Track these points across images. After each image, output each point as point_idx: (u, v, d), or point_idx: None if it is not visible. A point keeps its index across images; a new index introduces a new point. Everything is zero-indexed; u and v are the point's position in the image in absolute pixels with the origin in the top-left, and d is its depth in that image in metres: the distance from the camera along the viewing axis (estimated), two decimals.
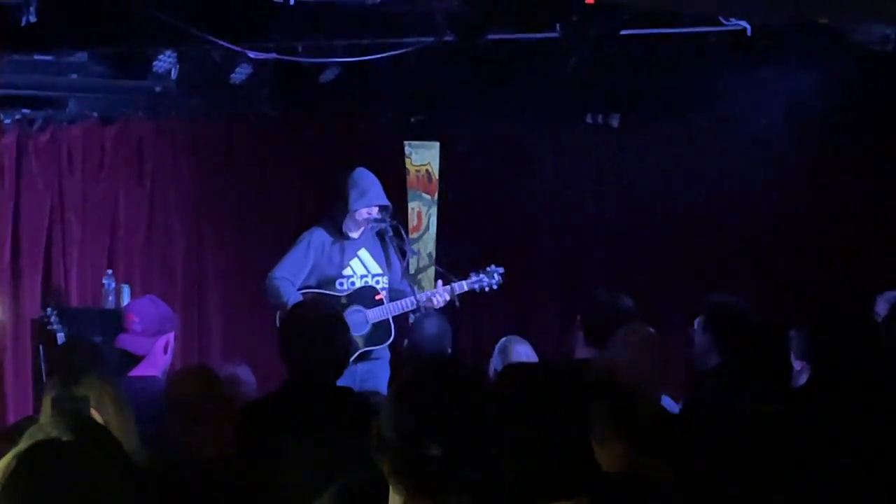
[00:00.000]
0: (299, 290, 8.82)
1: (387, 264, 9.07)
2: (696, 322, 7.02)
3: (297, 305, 6.49)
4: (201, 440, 5.01)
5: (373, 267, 9.04)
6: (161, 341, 6.36)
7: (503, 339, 7.88)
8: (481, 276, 9.14)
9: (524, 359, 7.53)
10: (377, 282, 9.03)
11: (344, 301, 8.89)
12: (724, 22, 7.66)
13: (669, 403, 6.44)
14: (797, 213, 10.48)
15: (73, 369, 4.87)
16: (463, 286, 9.09)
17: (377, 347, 8.94)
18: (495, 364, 7.65)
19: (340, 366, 5.77)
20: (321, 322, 5.76)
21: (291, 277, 8.84)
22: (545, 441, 3.56)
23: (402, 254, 9.09)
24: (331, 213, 9.06)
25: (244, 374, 7.10)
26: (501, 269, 9.19)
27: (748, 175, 10.41)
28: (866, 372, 5.41)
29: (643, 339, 6.74)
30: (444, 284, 9.08)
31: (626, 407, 4.62)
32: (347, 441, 4.94)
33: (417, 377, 3.82)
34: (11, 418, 8.79)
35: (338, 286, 8.96)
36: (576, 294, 9.97)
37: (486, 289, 9.16)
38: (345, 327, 5.89)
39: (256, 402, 5.94)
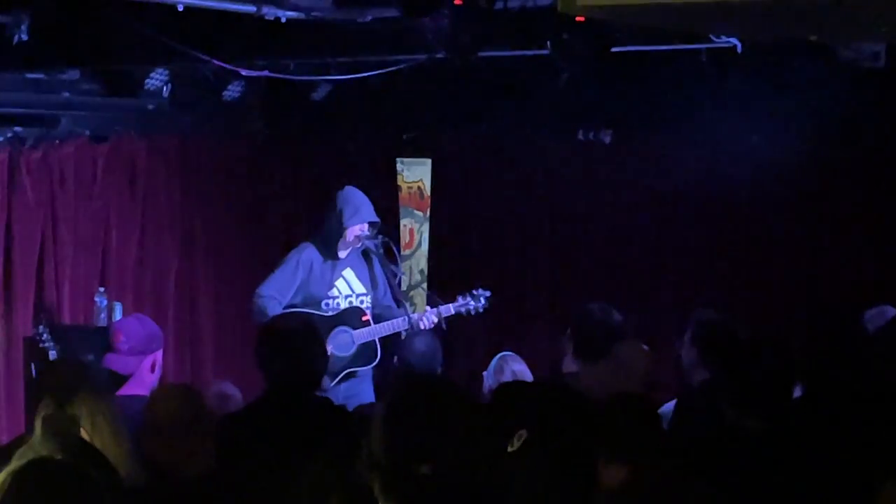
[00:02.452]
0: (285, 309, 8.82)
1: (371, 284, 9.09)
2: (684, 337, 7.04)
3: (275, 319, 6.52)
4: (183, 459, 4.99)
5: (357, 287, 9.06)
6: (148, 360, 6.36)
7: (497, 356, 7.88)
8: (468, 299, 9.17)
9: (519, 377, 7.53)
10: (361, 301, 9.05)
11: (331, 321, 8.92)
12: (715, 39, 7.67)
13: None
14: (788, 228, 10.49)
15: (66, 388, 4.86)
16: (450, 309, 9.11)
17: (363, 368, 8.97)
18: (490, 382, 7.64)
19: (316, 378, 5.79)
20: (296, 335, 5.79)
21: (278, 296, 8.84)
22: (544, 460, 3.56)
23: (393, 274, 9.11)
24: (322, 231, 9.07)
25: (229, 388, 7.12)
26: (488, 293, 9.21)
27: (739, 191, 10.42)
28: (855, 388, 5.41)
29: (636, 355, 6.77)
30: (431, 307, 9.11)
31: (633, 425, 4.61)
32: (326, 452, 4.95)
33: (408, 396, 3.83)
34: (3, 435, 8.77)
35: (323, 307, 8.97)
36: (568, 310, 9.97)
37: (473, 312, 9.19)
38: (319, 340, 5.91)
39: (233, 414, 5.97)
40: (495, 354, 8.01)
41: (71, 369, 5.42)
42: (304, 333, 5.83)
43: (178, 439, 5.02)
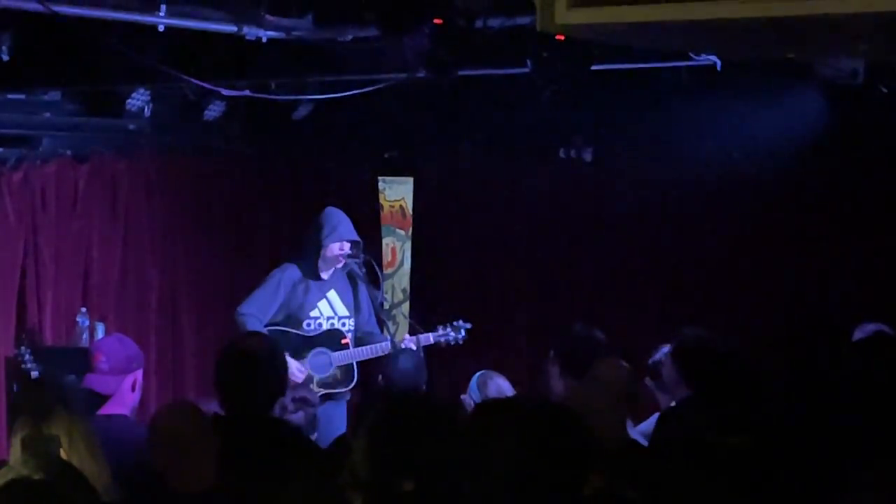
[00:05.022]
0: (266, 327, 8.83)
1: (355, 307, 9.11)
2: (665, 354, 7.05)
3: (233, 340, 6.42)
4: (187, 476, 5.01)
5: (340, 309, 9.09)
6: (128, 380, 6.35)
7: (480, 373, 7.88)
8: (448, 329, 9.25)
9: (503, 392, 7.55)
10: (343, 324, 9.08)
11: (310, 341, 8.94)
12: (694, 57, 7.70)
13: (637, 435, 6.47)
14: (770, 244, 10.51)
15: (42, 408, 4.86)
16: (429, 339, 9.16)
17: (339, 390, 8.99)
18: (473, 398, 7.63)
19: (267, 401, 5.69)
20: (250, 357, 5.69)
21: (259, 314, 8.86)
22: (527, 475, 3.56)
23: (377, 288, 9.13)
24: (303, 252, 9.09)
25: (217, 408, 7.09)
26: (468, 325, 9.29)
27: (721, 207, 10.44)
28: (838, 404, 5.42)
29: (615, 372, 6.78)
30: (411, 335, 9.14)
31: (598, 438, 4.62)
32: (276, 474, 4.94)
33: (391, 413, 3.83)
34: None
35: (304, 326, 9.00)
36: (550, 329, 9.98)
37: (452, 343, 9.23)
38: (275, 363, 5.78)
39: None
40: (478, 372, 8.01)
41: (48, 389, 5.42)
42: (255, 357, 5.71)
43: (185, 456, 5.04)
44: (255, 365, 5.65)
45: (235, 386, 5.61)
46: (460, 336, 9.26)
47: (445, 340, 9.22)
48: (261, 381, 5.65)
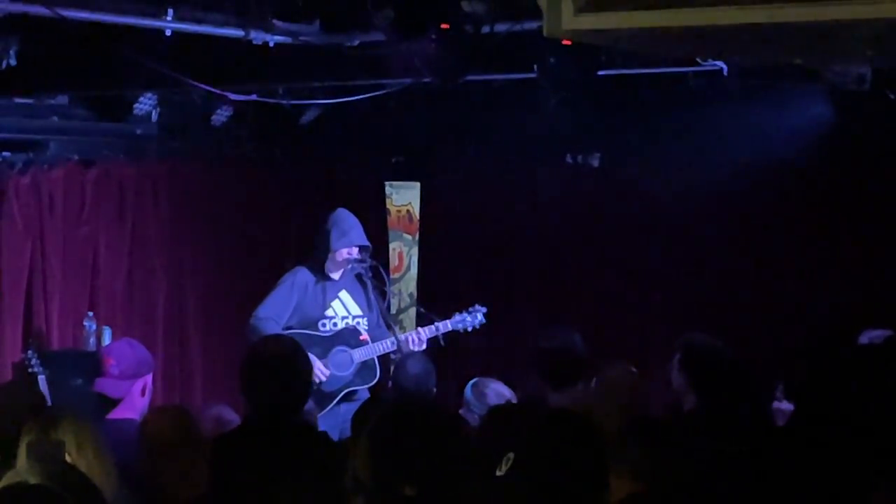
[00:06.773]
0: (283, 330, 8.81)
1: (367, 306, 9.10)
2: (673, 361, 7.04)
3: (257, 343, 6.37)
4: (176, 481, 5.00)
5: (353, 308, 9.07)
6: (138, 384, 6.37)
7: (472, 382, 7.80)
8: (465, 315, 9.19)
9: (503, 396, 7.52)
10: (357, 323, 9.05)
11: (329, 341, 8.93)
12: (701, 62, 7.70)
13: None
14: (777, 249, 10.50)
15: (50, 413, 4.87)
16: (447, 325, 9.13)
17: (363, 387, 8.97)
18: (474, 409, 7.53)
19: (296, 404, 5.64)
20: (275, 361, 5.63)
21: (276, 317, 8.84)
22: (543, 483, 3.57)
23: (383, 294, 9.12)
24: (313, 253, 9.09)
25: (227, 413, 7.08)
26: (485, 309, 9.24)
27: (727, 214, 10.44)
28: (846, 413, 5.41)
29: (625, 378, 6.78)
30: (427, 325, 9.11)
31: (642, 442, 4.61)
32: (305, 479, 4.93)
33: (394, 418, 3.84)
34: None
35: (320, 327, 8.98)
36: None
37: (469, 329, 9.20)
38: (300, 367, 5.67)
39: (216, 438, 5.89)
40: (485, 378, 7.98)
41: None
42: (283, 359, 5.65)
43: (169, 460, 5.03)
44: (282, 367, 5.58)
45: (263, 390, 5.53)
46: (477, 321, 9.22)
47: (463, 327, 9.20)
48: (289, 383, 5.58)
